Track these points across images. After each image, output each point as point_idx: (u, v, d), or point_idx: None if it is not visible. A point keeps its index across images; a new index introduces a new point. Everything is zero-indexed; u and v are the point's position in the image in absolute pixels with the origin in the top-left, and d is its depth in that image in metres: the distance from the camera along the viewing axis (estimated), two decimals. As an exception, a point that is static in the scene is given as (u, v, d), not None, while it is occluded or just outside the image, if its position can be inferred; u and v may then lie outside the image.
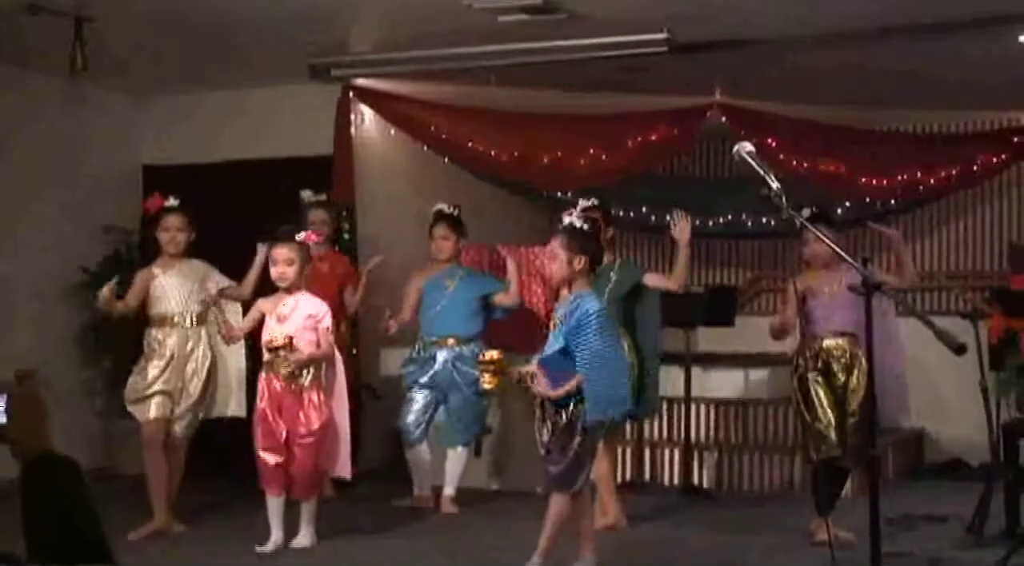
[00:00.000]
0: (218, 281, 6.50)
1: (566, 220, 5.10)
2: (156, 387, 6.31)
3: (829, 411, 5.99)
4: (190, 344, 6.40)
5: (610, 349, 5.04)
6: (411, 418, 7.13)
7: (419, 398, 7.14)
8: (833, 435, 5.96)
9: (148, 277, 6.42)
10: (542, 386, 5.04)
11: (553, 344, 5.02)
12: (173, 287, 6.40)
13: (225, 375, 6.54)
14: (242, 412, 6.52)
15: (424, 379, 7.12)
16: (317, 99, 8.49)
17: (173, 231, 6.43)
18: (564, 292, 5.15)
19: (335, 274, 7.30)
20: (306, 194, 7.46)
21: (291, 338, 5.82)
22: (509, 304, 7.20)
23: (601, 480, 6.51)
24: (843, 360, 6.06)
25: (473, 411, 7.20)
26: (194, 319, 6.42)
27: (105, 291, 6.22)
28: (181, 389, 6.38)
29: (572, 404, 4.95)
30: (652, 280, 6.63)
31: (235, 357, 6.53)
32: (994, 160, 8.88)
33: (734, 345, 8.86)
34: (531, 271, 7.54)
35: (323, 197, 7.52)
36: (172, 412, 6.36)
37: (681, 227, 6.30)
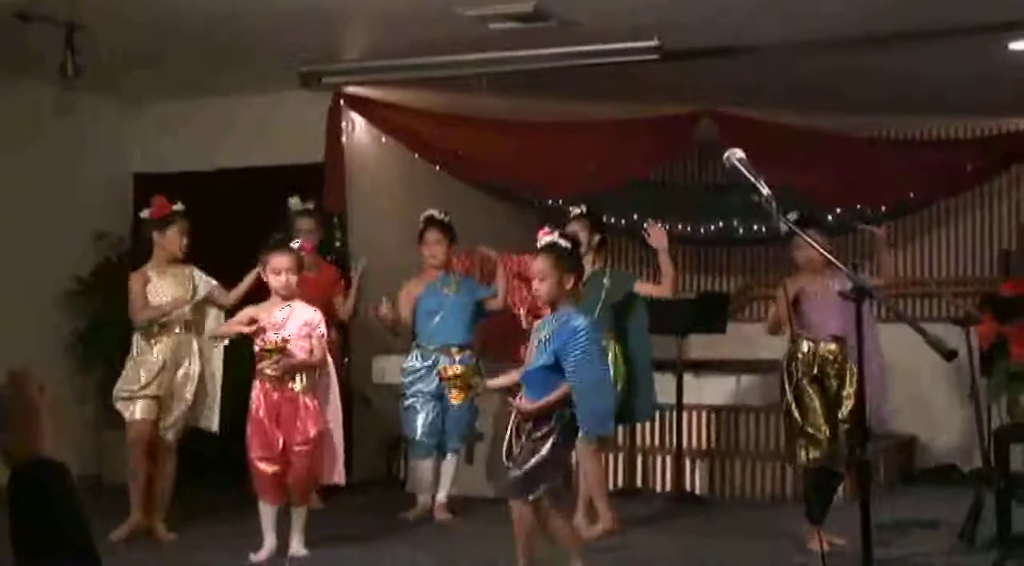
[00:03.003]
0: (205, 282, 6.49)
1: (547, 239, 5.04)
2: (146, 391, 6.30)
3: (823, 420, 6.01)
4: (182, 351, 6.39)
5: (599, 366, 5.00)
6: (421, 431, 7.04)
7: (426, 410, 7.04)
8: (826, 443, 5.98)
9: (144, 281, 6.41)
10: (524, 400, 4.97)
11: (538, 359, 4.92)
12: (167, 293, 6.39)
13: (211, 384, 6.51)
14: (215, 427, 6.49)
15: (429, 388, 7.03)
16: (309, 107, 8.48)
17: (185, 234, 6.42)
18: (547, 310, 5.10)
19: (322, 281, 7.24)
20: (294, 202, 7.40)
21: (286, 342, 5.81)
22: (496, 308, 7.24)
23: (593, 487, 6.51)
24: (835, 366, 6.09)
25: (466, 418, 7.18)
26: (185, 325, 6.42)
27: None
28: (172, 395, 6.36)
29: (552, 419, 4.84)
30: (643, 288, 6.65)
31: (216, 366, 6.48)
32: (984, 166, 8.90)
33: (726, 352, 8.86)
34: (522, 277, 7.52)
35: (310, 205, 7.46)
36: (159, 417, 6.34)
37: (654, 235, 6.34)
